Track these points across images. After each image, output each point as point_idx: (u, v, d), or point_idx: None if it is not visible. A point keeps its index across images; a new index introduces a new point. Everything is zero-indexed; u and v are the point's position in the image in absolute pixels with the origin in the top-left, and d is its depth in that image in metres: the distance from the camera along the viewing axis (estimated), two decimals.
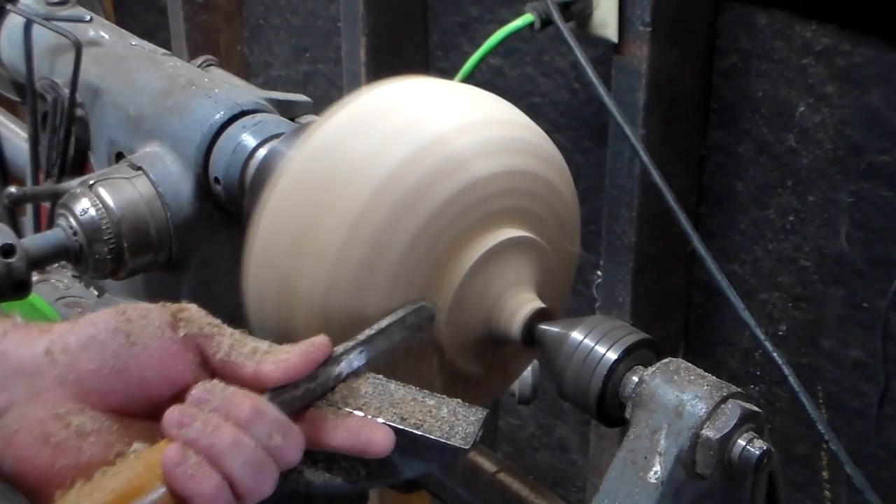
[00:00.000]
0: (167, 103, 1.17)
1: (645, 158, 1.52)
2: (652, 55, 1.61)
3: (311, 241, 0.91)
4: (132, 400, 0.80)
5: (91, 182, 1.14)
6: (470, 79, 1.72)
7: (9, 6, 1.37)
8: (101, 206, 1.12)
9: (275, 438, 0.78)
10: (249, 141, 1.10)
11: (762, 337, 1.40)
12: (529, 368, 1.26)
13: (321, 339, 0.85)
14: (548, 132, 1.03)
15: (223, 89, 1.17)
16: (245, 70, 2.65)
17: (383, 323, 0.89)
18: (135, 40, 1.35)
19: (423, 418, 0.85)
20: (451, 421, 0.85)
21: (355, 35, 2.05)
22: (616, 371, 0.89)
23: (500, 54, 1.93)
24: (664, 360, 0.88)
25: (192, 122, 1.14)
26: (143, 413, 0.80)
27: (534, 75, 1.92)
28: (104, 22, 1.39)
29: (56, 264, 1.28)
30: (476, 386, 1.01)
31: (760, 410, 0.85)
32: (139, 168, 1.15)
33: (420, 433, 0.84)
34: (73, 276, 1.40)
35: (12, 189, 1.18)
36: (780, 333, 1.70)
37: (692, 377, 0.86)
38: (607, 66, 1.67)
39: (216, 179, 1.12)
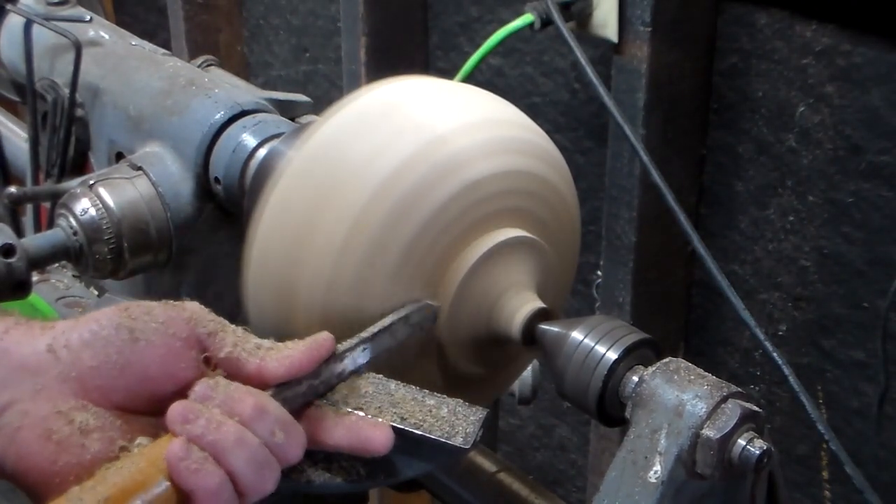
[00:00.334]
0: (167, 103, 1.17)
1: (645, 158, 1.52)
2: (652, 55, 1.61)
3: (311, 241, 0.91)
4: (135, 396, 0.80)
5: (91, 182, 1.14)
6: (470, 79, 1.72)
7: (9, 6, 1.37)
8: (101, 206, 1.12)
9: (277, 436, 0.78)
10: (249, 141, 1.10)
11: (762, 337, 1.40)
12: (529, 368, 1.26)
13: (325, 336, 0.85)
14: (548, 132, 1.03)
15: (223, 89, 1.17)
16: (245, 70, 2.65)
17: (387, 321, 0.89)
18: (135, 40, 1.35)
19: (424, 418, 0.85)
20: (452, 421, 0.85)
21: (355, 35, 2.05)
22: (616, 371, 0.89)
23: (500, 54, 1.93)
24: (664, 360, 0.88)
25: (192, 122, 1.14)
26: (146, 409, 0.80)
27: (534, 75, 1.92)
28: (104, 22, 1.39)
29: (56, 264, 1.28)
30: (476, 386, 1.01)
31: (760, 410, 0.85)
32: (139, 168, 1.15)
33: (420, 433, 0.84)
34: (73, 276, 1.40)
35: (12, 189, 1.18)
36: (780, 333, 1.70)
37: (692, 377, 0.86)
38: (607, 66, 1.67)
39: (216, 179, 1.12)
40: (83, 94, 1.26)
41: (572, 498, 2.15)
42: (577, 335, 0.91)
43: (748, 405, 0.84)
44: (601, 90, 1.56)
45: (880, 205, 1.52)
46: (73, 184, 1.16)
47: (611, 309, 1.79)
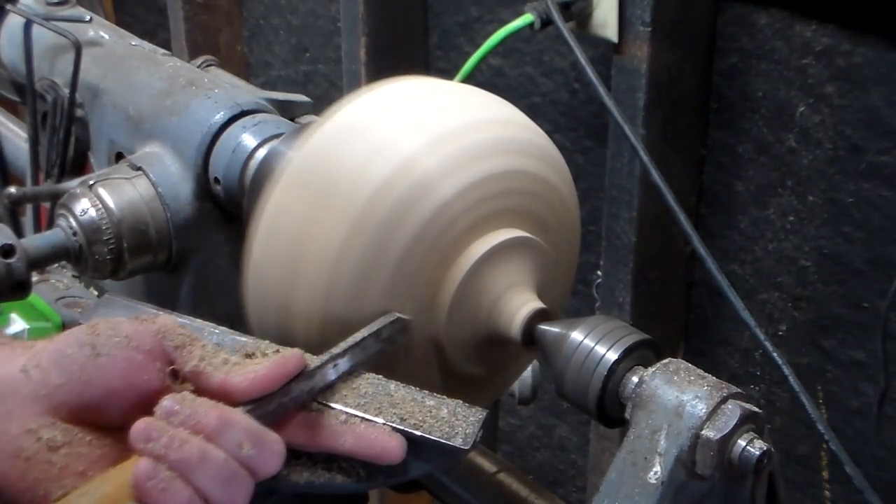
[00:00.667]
0: (167, 103, 1.17)
1: (645, 158, 1.52)
2: (652, 55, 1.61)
3: (310, 242, 0.91)
4: (101, 411, 0.80)
5: (91, 182, 1.14)
6: (470, 79, 1.73)
7: (9, 6, 1.37)
8: (101, 206, 1.12)
9: (245, 448, 0.78)
10: (249, 141, 1.10)
11: (762, 337, 1.40)
12: (529, 368, 1.26)
13: (292, 353, 0.84)
14: (548, 132, 1.03)
15: (223, 89, 1.17)
16: (245, 70, 2.65)
17: (358, 336, 0.88)
18: (135, 40, 1.35)
19: (423, 419, 0.85)
20: (452, 421, 0.85)
21: (355, 35, 2.05)
22: (616, 371, 0.89)
23: (500, 54, 1.93)
24: (664, 361, 0.88)
25: (192, 123, 1.14)
26: (115, 423, 0.80)
27: (534, 75, 1.92)
28: (104, 22, 1.39)
29: (56, 264, 1.28)
30: (476, 386, 1.01)
31: (760, 410, 0.85)
32: (139, 168, 1.15)
33: (420, 434, 0.84)
34: (73, 276, 1.40)
35: (12, 189, 1.18)
36: (780, 333, 1.70)
37: (692, 377, 0.86)
38: (607, 66, 1.67)
39: (216, 180, 1.12)
40: (83, 94, 1.26)
41: (572, 498, 2.15)
42: (576, 336, 0.91)
43: (748, 406, 0.84)
44: (601, 90, 1.56)
45: (880, 205, 1.52)
46: (72, 184, 1.15)
47: (611, 309, 1.79)
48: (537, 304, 0.95)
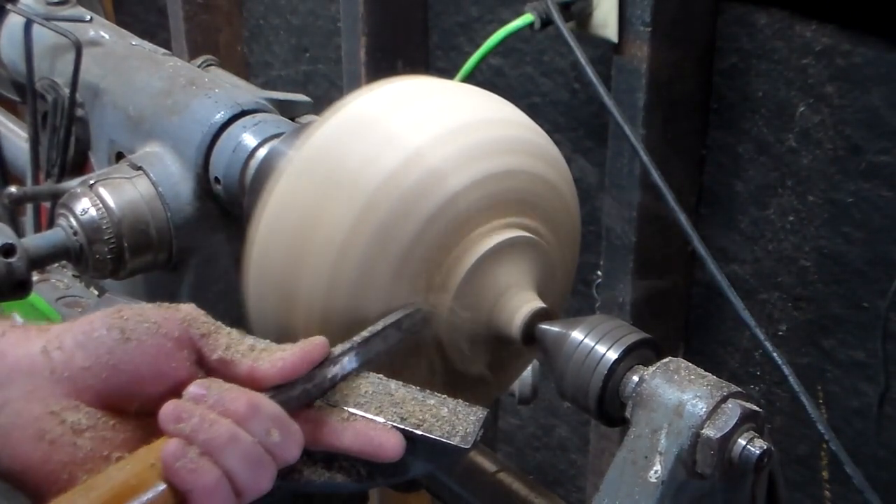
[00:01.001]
0: (167, 103, 1.17)
1: (645, 158, 1.52)
2: (652, 55, 1.61)
3: (311, 241, 0.91)
4: (127, 396, 0.80)
5: (91, 182, 1.14)
6: (470, 79, 1.72)
7: (9, 6, 1.38)
8: (101, 206, 1.12)
9: (272, 434, 0.78)
10: (250, 141, 1.10)
11: (762, 337, 1.40)
12: (529, 368, 1.26)
13: (319, 340, 0.85)
14: (548, 132, 1.03)
15: (223, 89, 1.17)
16: (245, 70, 2.65)
17: (379, 325, 0.89)
18: (135, 40, 1.35)
19: (424, 418, 0.85)
20: (452, 420, 0.85)
21: (355, 35, 2.05)
22: (616, 371, 0.89)
23: (500, 54, 1.93)
24: (664, 360, 0.88)
25: (193, 122, 1.14)
26: (138, 409, 0.80)
27: (534, 75, 1.92)
28: (104, 22, 1.39)
29: (56, 264, 1.28)
30: (476, 386, 1.01)
31: (761, 410, 0.85)
32: (139, 168, 1.15)
33: (420, 433, 0.84)
34: (73, 276, 1.40)
35: (12, 189, 1.18)
36: (780, 333, 1.70)
37: (692, 377, 0.86)
38: (607, 66, 1.67)
39: (216, 179, 1.12)
40: (83, 93, 1.26)
41: (572, 498, 2.15)
42: (577, 335, 0.91)
43: (748, 405, 0.84)
44: (601, 90, 1.56)
45: (880, 205, 1.52)
46: (73, 184, 1.16)
47: (611, 309, 1.79)
48: (538, 304, 0.95)
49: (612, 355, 0.89)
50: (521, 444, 2.24)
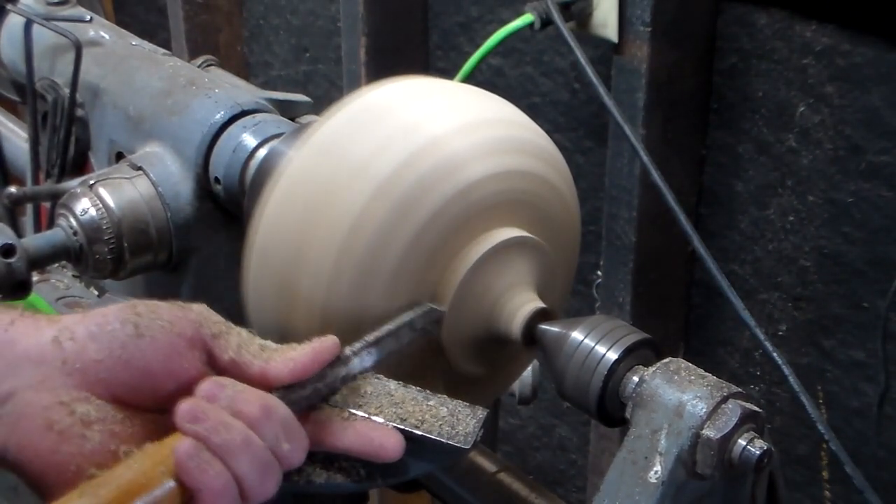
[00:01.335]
0: (167, 103, 1.17)
1: (645, 158, 1.52)
2: (652, 55, 1.61)
3: (311, 241, 0.91)
4: (137, 391, 0.80)
5: (91, 182, 1.14)
6: (470, 79, 1.72)
7: (9, 6, 1.37)
8: (101, 206, 1.12)
9: (281, 439, 0.78)
10: (250, 141, 1.10)
11: (762, 337, 1.40)
12: (529, 368, 1.26)
13: (330, 339, 0.85)
14: (548, 132, 1.03)
15: (223, 89, 1.17)
16: (245, 70, 2.65)
17: (392, 325, 0.89)
18: (135, 40, 1.35)
19: (424, 418, 0.85)
20: (452, 421, 0.85)
21: (355, 35, 2.05)
22: (616, 371, 0.89)
23: (500, 54, 1.93)
24: (664, 360, 0.88)
25: (192, 122, 1.14)
26: (147, 405, 0.80)
27: (534, 75, 1.92)
28: (104, 22, 1.39)
29: (56, 264, 1.28)
30: (476, 386, 1.01)
31: (761, 410, 0.85)
32: (139, 168, 1.15)
33: (420, 433, 0.84)
34: (73, 276, 1.40)
35: (12, 189, 1.18)
36: (780, 333, 1.70)
37: (692, 377, 0.86)
38: (607, 66, 1.67)
39: (216, 179, 1.12)
40: (83, 94, 1.26)
41: (572, 498, 2.15)
42: (577, 335, 0.91)
43: (748, 405, 0.84)
44: (601, 90, 1.56)
45: (880, 205, 1.52)
46: (73, 184, 1.16)
47: (611, 309, 1.79)
48: (538, 304, 0.95)
49: (613, 356, 0.89)
50: (522, 444, 2.24)
